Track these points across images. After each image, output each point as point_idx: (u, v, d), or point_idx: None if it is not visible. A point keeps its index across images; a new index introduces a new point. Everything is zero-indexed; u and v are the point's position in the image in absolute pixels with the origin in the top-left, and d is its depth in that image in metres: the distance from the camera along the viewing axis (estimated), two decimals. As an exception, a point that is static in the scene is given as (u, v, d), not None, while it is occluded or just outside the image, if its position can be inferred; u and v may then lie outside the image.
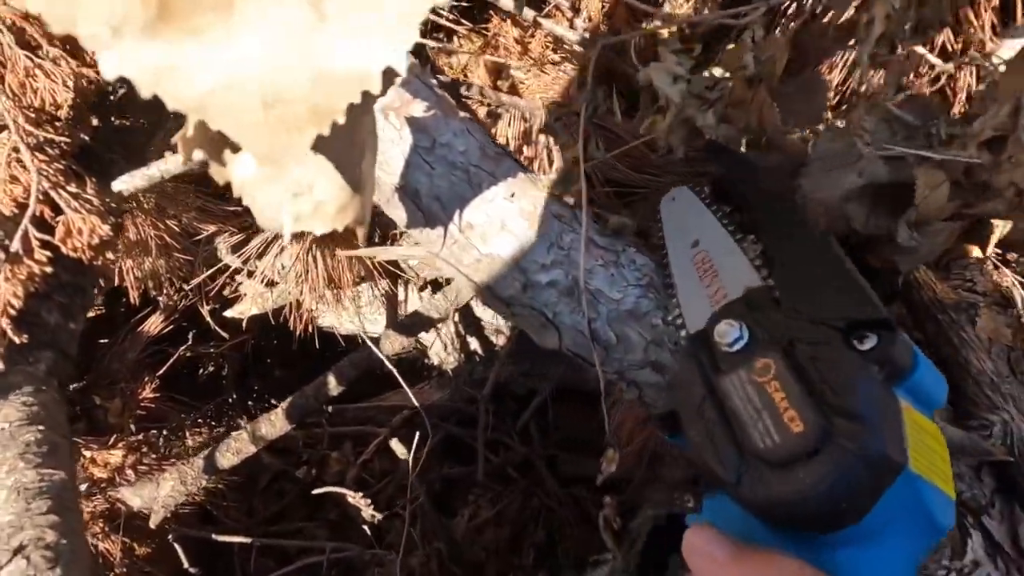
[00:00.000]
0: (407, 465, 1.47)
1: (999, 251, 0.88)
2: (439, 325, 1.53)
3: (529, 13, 0.95)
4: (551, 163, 1.00)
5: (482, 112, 1.18)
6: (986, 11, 0.66)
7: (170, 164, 0.42)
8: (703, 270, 0.40)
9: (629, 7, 1.21)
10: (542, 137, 0.99)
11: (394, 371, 0.97)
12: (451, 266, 0.48)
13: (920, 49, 0.51)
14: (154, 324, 1.72)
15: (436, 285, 1.56)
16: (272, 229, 0.25)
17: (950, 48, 0.81)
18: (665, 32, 1.14)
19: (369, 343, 1.05)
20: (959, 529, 0.45)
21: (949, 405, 0.65)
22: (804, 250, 0.35)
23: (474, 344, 1.69)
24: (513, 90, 1.24)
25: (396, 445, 1.38)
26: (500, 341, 1.64)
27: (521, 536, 1.58)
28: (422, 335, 1.56)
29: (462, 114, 0.47)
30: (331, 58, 0.15)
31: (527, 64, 1.26)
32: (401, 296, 1.62)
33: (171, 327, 1.73)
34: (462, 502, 1.58)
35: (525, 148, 1.07)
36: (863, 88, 0.45)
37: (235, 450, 0.98)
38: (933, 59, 0.52)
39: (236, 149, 0.24)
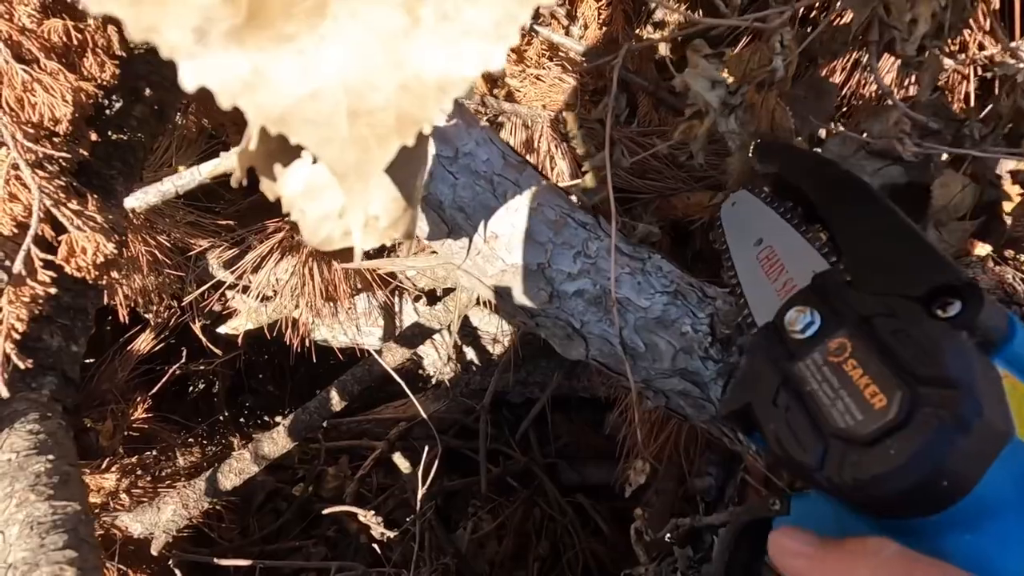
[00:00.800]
0: (407, 479, 1.45)
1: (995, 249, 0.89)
2: (435, 336, 1.52)
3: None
4: (552, 170, 1.00)
5: (483, 121, 1.18)
6: (985, 16, 0.66)
7: (184, 179, 0.41)
8: (769, 266, 0.39)
9: (625, 14, 1.21)
10: (544, 144, 0.99)
11: (402, 383, 0.95)
12: (474, 278, 0.47)
13: (944, 55, 0.51)
14: (144, 342, 1.68)
15: (432, 296, 1.55)
16: (319, 245, 0.24)
17: (948, 49, 0.83)
18: (659, 37, 1.14)
19: (375, 355, 1.03)
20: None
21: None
22: (869, 224, 0.32)
23: (471, 354, 1.68)
24: (509, 98, 1.23)
25: (399, 460, 1.35)
26: (497, 351, 1.63)
27: (525, 547, 1.56)
28: (419, 347, 1.54)
29: (482, 122, 0.46)
30: (423, 64, 0.14)
31: (523, 72, 1.26)
32: (397, 308, 1.60)
33: (162, 345, 1.69)
34: (463, 515, 1.56)
35: (528, 156, 1.06)
36: (893, 89, 0.45)
37: (237, 471, 0.95)
38: (949, 60, 0.52)
39: (286, 164, 0.23)
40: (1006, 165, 0.71)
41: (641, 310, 0.45)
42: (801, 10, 0.74)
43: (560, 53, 1.19)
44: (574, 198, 0.46)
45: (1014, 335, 0.26)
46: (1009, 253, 0.98)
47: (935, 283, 0.26)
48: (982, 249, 0.88)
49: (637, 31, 1.37)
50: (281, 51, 0.13)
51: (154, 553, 0.88)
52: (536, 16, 1.11)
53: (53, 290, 0.48)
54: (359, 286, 1.53)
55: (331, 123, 0.14)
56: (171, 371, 1.65)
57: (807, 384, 0.27)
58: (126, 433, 1.57)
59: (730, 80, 0.54)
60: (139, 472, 1.41)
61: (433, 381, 1.73)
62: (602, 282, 0.44)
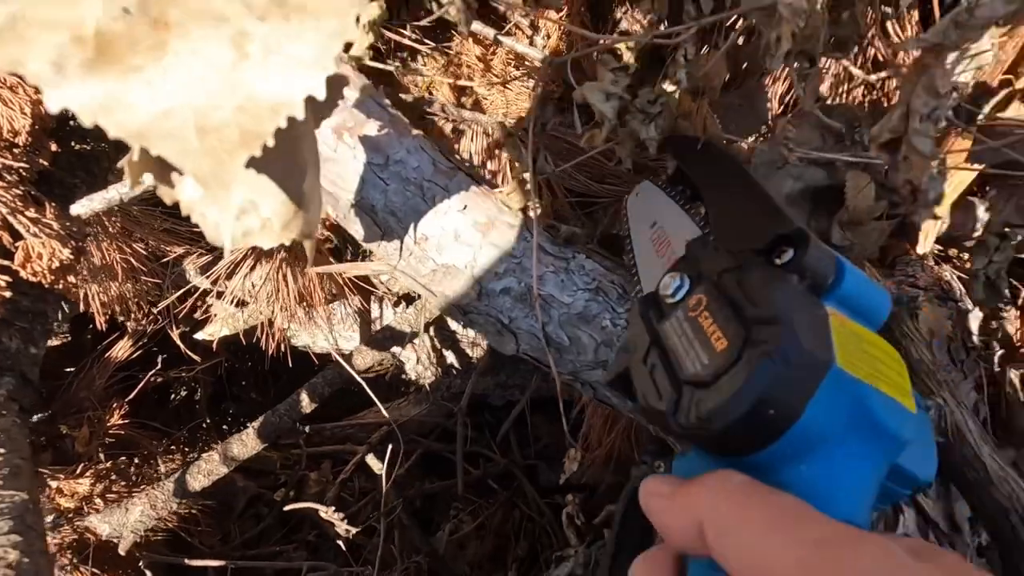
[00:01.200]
0: (386, 483, 1.47)
1: (940, 248, 0.93)
2: (415, 340, 1.54)
3: (491, 32, 0.98)
4: (514, 175, 1.03)
5: (447, 128, 1.21)
6: (909, 24, 0.70)
7: (127, 187, 0.43)
8: (659, 244, 0.42)
9: (583, 24, 1.25)
10: (504, 151, 1.02)
11: (365, 387, 0.98)
12: (410, 277, 0.50)
13: (844, 61, 0.55)
14: (122, 349, 1.69)
15: (410, 300, 1.57)
16: (220, 245, 0.27)
17: (882, 58, 0.87)
18: (625, 48, 1.19)
19: (340, 359, 1.06)
20: (893, 507, 0.48)
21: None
22: (729, 192, 0.36)
23: (451, 358, 1.70)
24: (477, 106, 1.27)
25: (372, 460, 1.37)
26: (476, 354, 1.65)
27: (504, 549, 1.58)
28: (399, 351, 1.56)
29: (415, 132, 0.49)
30: (255, 89, 0.17)
31: (489, 81, 1.29)
32: (376, 313, 1.62)
33: (140, 352, 1.70)
34: (444, 517, 1.58)
35: (488, 162, 1.10)
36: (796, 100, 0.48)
37: (206, 472, 0.97)
38: (855, 70, 0.56)
39: (182, 172, 0.26)
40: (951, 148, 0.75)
41: (564, 306, 0.48)
42: (739, 24, 0.77)
43: (525, 62, 1.23)
44: (502, 201, 0.49)
45: (843, 279, 0.28)
46: (953, 252, 1.03)
47: (772, 235, 0.29)
48: (923, 247, 0.92)
49: (602, 40, 1.41)
50: (130, 79, 0.16)
51: (121, 553, 0.89)
52: (501, 26, 1.14)
53: (8, 294, 0.50)
54: (334, 292, 1.55)
55: (183, 137, 0.17)
56: (147, 378, 1.66)
57: (670, 339, 0.29)
58: (104, 440, 1.57)
59: (668, 88, 0.57)
60: (114, 477, 1.42)
61: (414, 385, 1.75)
62: (527, 280, 0.47)
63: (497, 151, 1.01)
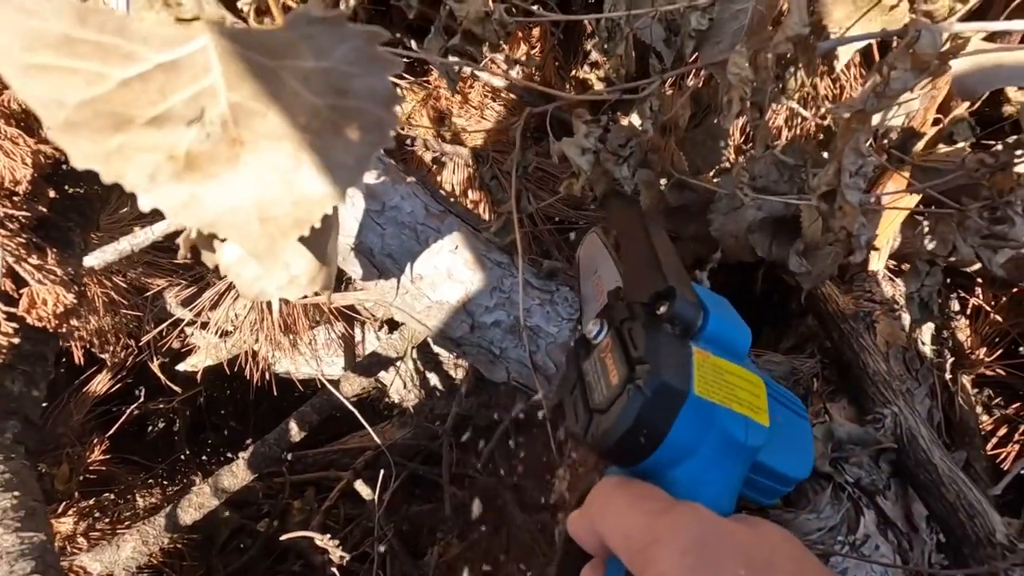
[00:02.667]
0: (373, 507, 1.47)
1: (895, 263, 1.01)
2: (398, 363, 1.56)
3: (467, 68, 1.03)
4: (494, 206, 1.08)
5: (427, 158, 1.25)
6: (851, 67, 0.77)
7: (140, 238, 0.45)
8: (598, 291, 0.49)
9: (555, 60, 1.32)
10: (485, 181, 1.07)
11: (356, 412, 1.00)
12: (405, 313, 0.53)
13: (793, 104, 0.61)
14: (101, 383, 1.67)
15: (393, 324, 1.59)
16: (254, 299, 0.30)
17: (830, 95, 0.94)
18: (595, 78, 1.25)
19: (329, 386, 1.08)
20: (855, 509, 0.53)
21: (853, 403, 0.75)
22: (631, 248, 0.43)
23: (434, 380, 1.72)
24: (456, 137, 1.32)
25: (361, 486, 1.38)
26: (460, 375, 1.68)
27: (494, 569, 1.59)
28: (381, 374, 1.58)
29: (409, 179, 0.53)
30: (308, 188, 0.21)
31: (468, 112, 1.35)
32: (359, 337, 1.64)
33: (119, 385, 1.69)
34: (431, 540, 1.58)
35: (470, 192, 1.14)
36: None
37: (197, 505, 0.98)
38: (802, 111, 0.62)
39: (223, 240, 0.29)
40: (882, 189, 0.82)
41: (551, 336, 0.52)
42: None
43: (501, 94, 1.29)
44: (489, 240, 0.53)
45: (707, 324, 0.35)
46: (906, 266, 1.10)
47: (653, 291, 0.36)
48: (878, 264, 0.99)
49: (574, 72, 1.48)
50: (209, 183, 0.20)
51: (114, 591, 0.89)
52: (478, 60, 1.20)
53: (16, 340, 0.52)
54: (318, 319, 1.57)
55: (247, 226, 0.21)
56: (129, 411, 1.64)
57: (588, 375, 0.36)
58: (83, 476, 1.55)
59: (640, 125, 0.62)
60: (97, 515, 1.40)
61: (397, 408, 1.76)
62: (515, 313, 0.51)
63: (477, 181, 1.05)
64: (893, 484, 0.62)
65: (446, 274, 0.51)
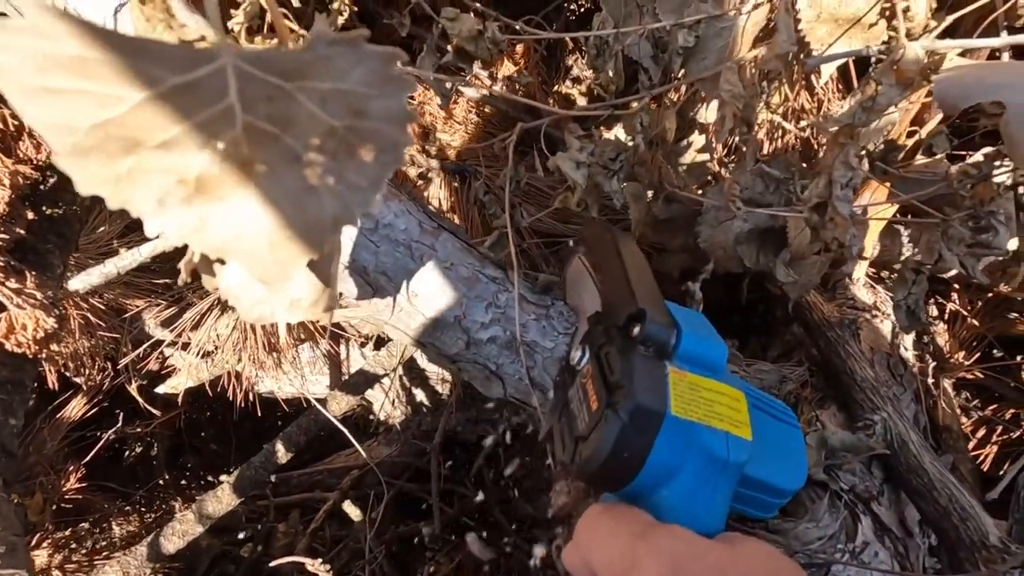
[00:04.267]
0: (360, 528, 1.44)
1: (875, 270, 1.03)
2: (384, 380, 1.54)
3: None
4: (482, 221, 1.08)
5: (413, 173, 1.25)
6: (829, 81, 0.80)
7: (126, 260, 0.44)
8: (583, 317, 0.50)
9: (540, 76, 1.33)
10: (472, 195, 1.07)
11: (345, 431, 0.98)
12: (400, 331, 0.53)
13: (776, 118, 0.63)
14: (76, 408, 1.62)
15: (379, 341, 1.58)
16: (255, 322, 0.30)
17: (807, 106, 0.97)
18: (578, 93, 1.27)
19: (317, 405, 1.06)
20: (851, 516, 0.53)
21: (842, 410, 0.76)
22: (607, 273, 0.43)
23: (420, 396, 1.70)
24: (441, 151, 1.32)
25: (349, 507, 1.36)
26: (446, 391, 1.66)
27: (484, 585, 1.56)
28: (368, 392, 1.56)
29: (401, 196, 0.53)
30: (320, 210, 0.21)
31: (452, 128, 1.35)
32: (344, 354, 1.62)
33: (95, 409, 1.64)
34: (420, 559, 1.56)
35: (458, 206, 1.14)
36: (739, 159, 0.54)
37: (180, 532, 0.95)
38: (787, 125, 0.63)
39: (223, 263, 0.29)
40: (864, 200, 0.84)
41: (547, 350, 0.52)
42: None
43: (485, 108, 1.29)
44: (483, 255, 0.53)
45: (681, 342, 0.36)
46: (885, 273, 1.13)
47: (627, 315, 0.36)
48: (859, 271, 1.01)
49: (557, 87, 1.50)
50: (219, 207, 0.20)
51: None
52: (463, 73, 1.20)
53: (-6, 367, 0.50)
54: (302, 336, 1.54)
55: (256, 250, 0.20)
56: (106, 437, 1.60)
57: (572, 402, 0.36)
58: (57, 506, 1.50)
59: (628, 139, 0.63)
60: (73, 546, 1.35)
61: (383, 426, 1.74)
62: (512, 328, 0.51)
63: (464, 194, 1.05)
64: (886, 489, 0.62)
65: (441, 291, 0.51)
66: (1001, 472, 1.21)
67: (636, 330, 0.35)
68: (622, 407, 0.31)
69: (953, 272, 0.71)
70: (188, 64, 0.17)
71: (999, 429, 1.26)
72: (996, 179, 0.45)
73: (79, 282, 0.45)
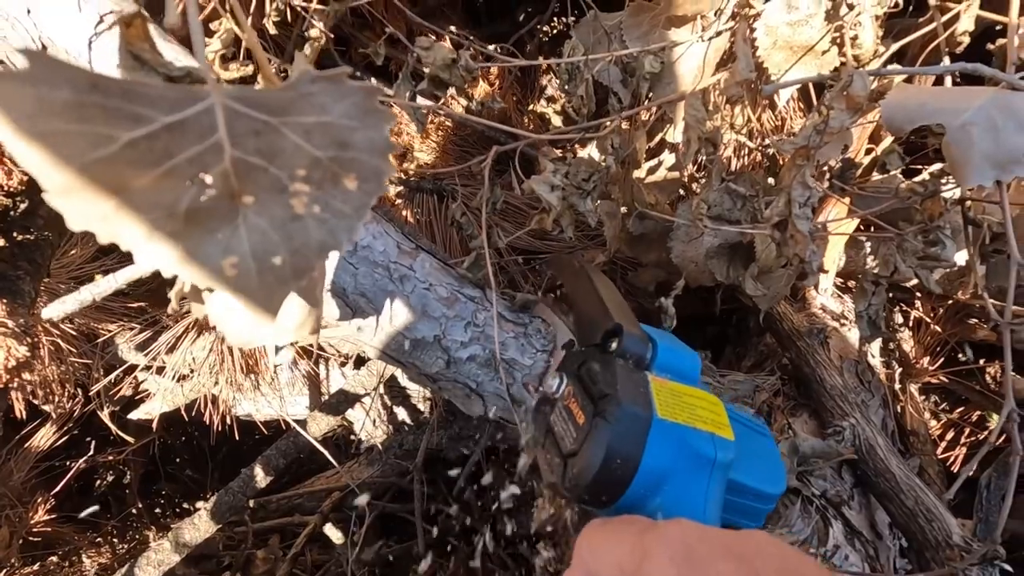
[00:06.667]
0: (342, 552, 1.42)
1: (842, 280, 1.07)
2: (365, 400, 1.53)
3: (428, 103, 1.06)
4: (460, 240, 1.09)
5: (391, 192, 1.26)
6: (790, 101, 0.83)
7: (101, 287, 0.43)
8: (555, 354, 0.52)
9: (515, 96, 1.36)
10: (451, 213, 1.08)
11: (325, 452, 0.98)
12: (379, 351, 0.53)
13: (741, 138, 0.65)
14: (45, 437, 1.58)
15: (359, 360, 1.57)
16: (242, 346, 0.30)
17: (770, 125, 1.01)
18: (552, 112, 1.29)
19: (297, 427, 1.05)
20: (823, 520, 0.55)
21: (813, 417, 0.78)
22: (578, 298, 0.45)
23: (402, 415, 1.69)
24: (419, 171, 1.33)
25: (331, 530, 1.34)
26: (428, 409, 1.65)
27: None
28: (348, 412, 1.54)
29: (380, 219, 0.54)
30: (307, 237, 0.22)
31: (428, 148, 1.37)
32: (323, 374, 1.60)
33: (65, 438, 1.59)
34: (403, 580, 1.53)
35: (435, 224, 1.15)
36: (701, 180, 0.57)
37: (156, 563, 0.92)
38: (749, 143, 0.66)
39: (211, 291, 0.29)
40: (826, 215, 0.88)
41: (526, 368, 0.53)
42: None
43: (462, 128, 1.31)
44: (461, 275, 0.54)
45: (657, 354, 0.38)
46: (852, 283, 1.17)
47: (603, 329, 0.38)
48: (826, 282, 1.05)
49: (532, 106, 1.53)
50: (207, 238, 0.21)
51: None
52: (437, 98, 1.23)
53: (-34, 397, 0.49)
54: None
55: (245, 278, 0.21)
56: (76, 466, 1.55)
57: (556, 426, 0.37)
58: (24, 540, 1.45)
59: (601, 159, 0.65)
60: (41, 581, 1.30)
61: (364, 446, 1.72)
62: (491, 347, 0.52)
63: (443, 212, 1.07)
64: (856, 494, 0.65)
65: (421, 311, 0.52)
66: (970, 473, 1.25)
67: (614, 344, 0.37)
68: (610, 413, 0.32)
69: (915, 281, 0.74)
70: (178, 104, 0.18)
71: (967, 431, 1.30)
72: (945, 194, 0.48)
73: (53, 310, 0.45)
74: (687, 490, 0.33)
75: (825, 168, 0.58)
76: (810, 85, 0.86)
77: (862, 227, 0.90)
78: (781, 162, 1.01)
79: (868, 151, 0.69)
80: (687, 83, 0.56)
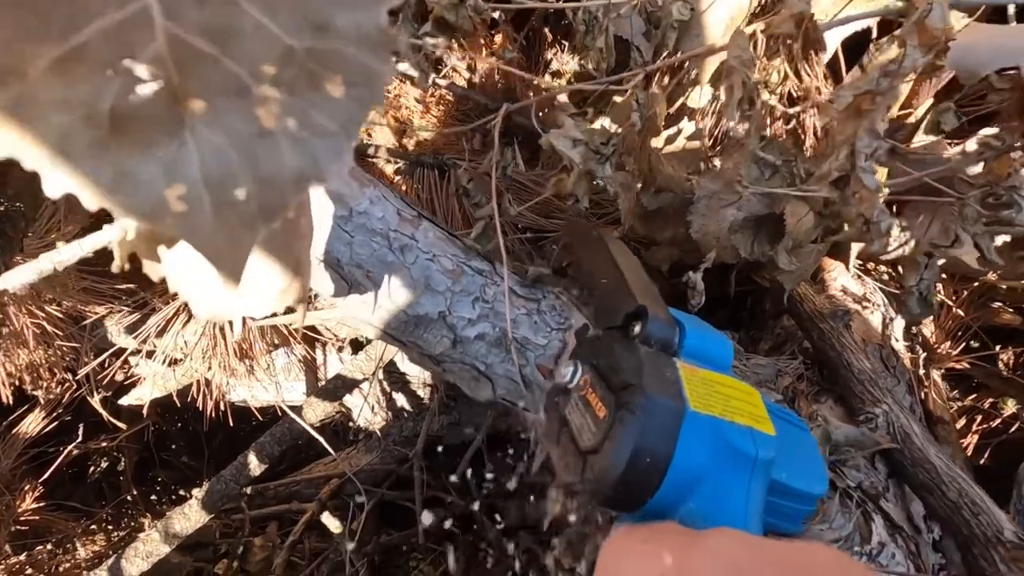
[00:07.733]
0: (339, 540, 1.39)
1: (860, 262, 1.02)
2: (363, 386, 1.49)
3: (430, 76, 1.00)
4: (463, 215, 1.04)
5: (389, 170, 1.21)
6: (817, 65, 0.77)
7: (64, 255, 0.39)
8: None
9: (520, 66, 1.29)
10: (453, 186, 1.03)
11: (321, 440, 0.93)
12: (379, 330, 0.48)
13: (772, 100, 0.60)
14: (34, 423, 1.53)
15: (357, 344, 1.52)
16: (210, 319, 0.25)
17: (794, 94, 0.95)
18: (563, 96, 1.24)
19: (291, 413, 1.00)
20: (863, 516, 0.51)
21: (839, 403, 0.74)
22: (596, 277, 0.40)
23: (401, 401, 1.65)
24: (418, 147, 1.27)
25: (328, 519, 1.30)
26: (428, 395, 1.61)
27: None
28: (346, 397, 1.50)
29: (377, 181, 0.48)
30: (277, 161, 0.16)
31: (429, 121, 1.31)
32: (320, 359, 1.56)
33: (55, 424, 1.55)
34: (403, 569, 1.50)
35: (436, 201, 1.10)
36: (735, 137, 0.52)
37: (144, 554, 0.88)
38: (778, 105, 0.61)
39: (169, 246, 0.24)
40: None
41: (540, 347, 0.48)
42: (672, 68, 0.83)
43: (463, 102, 1.25)
44: (468, 246, 0.49)
45: (685, 338, 0.33)
46: (871, 265, 1.12)
47: (624, 313, 0.33)
48: (851, 264, 0.99)
49: (536, 80, 1.47)
50: (144, 157, 0.15)
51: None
52: (438, 70, 1.16)
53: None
54: (276, 341, 1.48)
55: (197, 215, 0.16)
56: (66, 452, 1.51)
57: (572, 418, 0.32)
58: (12, 528, 1.41)
59: (614, 128, 0.60)
60: (30, 571, 1.27)
61: (363, 433, 1.68)
62: (501, 324, 0.47)
63: (446, 187, 1.01)
64: (891, 485, 0.60)
65: (424, 285, 0.46)
66: (981, 461, 1.21)
67: (637, 328, 0.33)
68: (636, 405, 0.27)
69: (942, 262, 0.69)
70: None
71: (979, 418, 1.27)
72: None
73: (8, 281, 0.40)
74: (725, 493, 0.29)
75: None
76: (839, 53, 0.80)
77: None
78: (803, 135, 0.95)
79: (901, 118, 0.63)
80: (717, 35, 0.50)
